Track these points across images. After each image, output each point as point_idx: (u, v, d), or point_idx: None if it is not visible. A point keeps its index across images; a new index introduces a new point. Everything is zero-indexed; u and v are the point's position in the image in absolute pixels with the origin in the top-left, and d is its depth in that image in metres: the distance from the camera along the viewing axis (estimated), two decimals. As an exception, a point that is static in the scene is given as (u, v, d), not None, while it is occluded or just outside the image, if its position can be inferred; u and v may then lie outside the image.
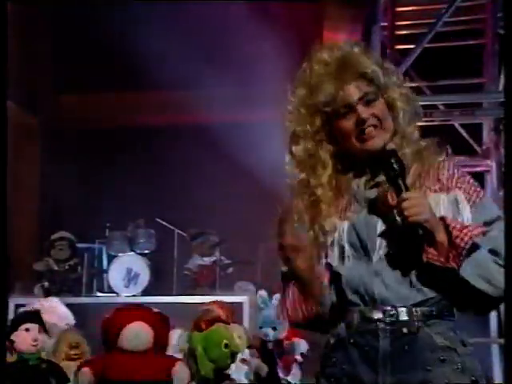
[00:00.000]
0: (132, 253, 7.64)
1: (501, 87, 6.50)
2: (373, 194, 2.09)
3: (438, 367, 1.98)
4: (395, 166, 2.00)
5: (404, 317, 2.01)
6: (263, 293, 6.07)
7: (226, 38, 8.27)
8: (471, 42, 6.96)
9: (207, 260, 7.65)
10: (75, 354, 4.83)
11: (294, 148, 2.14)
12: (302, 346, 5.98)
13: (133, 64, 8.41)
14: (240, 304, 6.70)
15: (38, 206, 9.38)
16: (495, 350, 6.51)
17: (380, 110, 2.09)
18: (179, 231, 7.86)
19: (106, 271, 7.62)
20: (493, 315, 6.45)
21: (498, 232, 2.00)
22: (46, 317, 4.66)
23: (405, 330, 2.00)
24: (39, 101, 9.51)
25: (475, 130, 6.87)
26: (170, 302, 6.93)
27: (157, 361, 4.45)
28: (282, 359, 5.95)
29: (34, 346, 4.19)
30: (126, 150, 8.95)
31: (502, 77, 6.37)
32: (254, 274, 7.56)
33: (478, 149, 6.86)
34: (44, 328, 4.41)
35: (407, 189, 1.99)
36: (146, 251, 7.76)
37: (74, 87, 9.32)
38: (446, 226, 1.98)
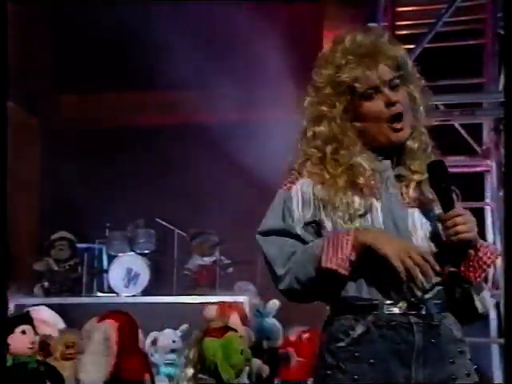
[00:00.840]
0: (132, 253, 7.64)
1: (501, 87, 6.49)
2: (397, 184, 2.08)
3: (459, 359, 2.02)
4: (445, 178, 2.01)
5: (431, 309, 2.00)
6: (256, 302, 6.04)
7: (227, 38, 8.27)
8: (471, 42, 6.95)
9: (207, 260, 7.65)
10: (69, 354, 4.83)
11: (317, 129, 2.10)
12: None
13: (133, 64, 8.42)
14: (240, 304, 6.69)
15: (38, 205, 9.38)
16: (495, 350, 6.50)
17: (404, 97, 2.09)
18: (179, 231, 7.86)
19: (106, 271, 7.62)
20: (493, 315, 6.45)
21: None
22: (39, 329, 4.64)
23: (431, 323, 1.99)
24: (39, 101, 9.51)
25: (475, 130, 6.87)
26: (170, 301, 6.94)
27: None
28: (278, 368, 5.86)
29: (30, 348, 4.17)
30: (126, 150, 8.95)
31: (502, 77, 6.36)
32: (253, 274, 7.55)
33: (477, 149, 6.86)
34: (35, 330, 4.40)
35: (453, 203, 2.00)
36: (146, 251, 7.77)
37: (73, 87, 9.32)
38: (475, 242, 2.03)
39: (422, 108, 2.12)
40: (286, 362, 5.83)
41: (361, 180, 2.04)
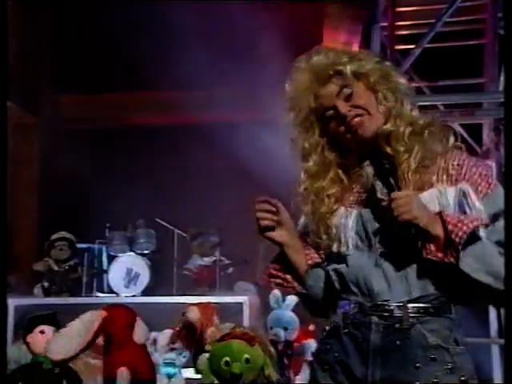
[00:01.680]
0: (132, 253, 7.64)
1: (501, 87, 6.49)
2: (379, 181, 2.09)
3: (428, 365, 1.98)
4: (387, 165, 2.03)
5: (398, 312, 2.00)
6: (276, 292, 6.06)
7: (227, 38, 8.27)
8: (471, 42, 6.96)
9: (207, 260, 7.65)
10: None
11: (304, 165, 2.19)
12: (313, 346, 5.97)
13: (133, 64, 8.41)
14: (240, 304, 6.70)
15: (37, 205, 9.38)
16: (495, 350, 6.51)
17: (361, 98, 2.10)
18: (179, 231, 7.85)
19: (106, 271, 7.61)
20: (493, 315, 6.45)
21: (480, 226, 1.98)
22: None
23: (397, 326, 1.99)
24: (39, 101, 9.52)
25: (475, 130, 6.87)
26: (170, 301, 6.93)
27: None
28: (291, 360, 5.94)
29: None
30: (126, 150, 8.95)
31: (502, 77, 6.36)
32: (253, 274, 7.55)
33: (477, 149, 6.86)
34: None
35: (398, 187, 2.00)
36: (146, 251, 7.76)
37: (73, 87, 9.32)
38: (443, 221, 1.97)
39: (389, 93, 2.12)
40: (300, 355, 5.91)
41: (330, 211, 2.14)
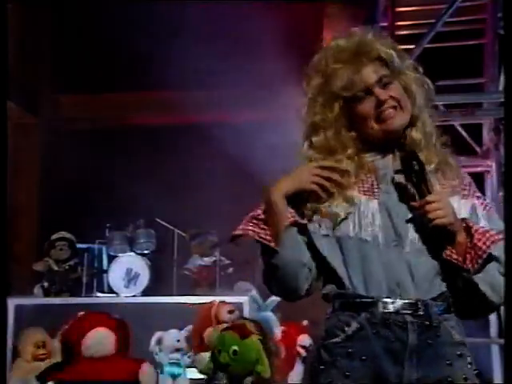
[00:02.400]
0: (132, 253, 7.63)
1: (501, 87, 6.49)
2: (399, 178, 2.09)
3: (457, 362, 1.99)
4: (416, 167, 2.01)
5: (427, 310, 1.99)
6: (254, 293, 6.08)
7: (226, 37, 8.26)
8: (471, 42, 6.96)
9: (207, 260, 7.65)
10: (42, 354, 4.73)
11: (314, 139, 2.13)
12: (305, 340, 5.99)
13: (133, 64, 8.41)
14: (240, 304, 6.70)
15: (38, 205, 9.38)
16: (495, 350, 6.50)
17: (397, 91, 2.10)
18: (179, 231, 7.85)
19: (106, 271, 7.61)
20: (493, 315, 6.45)
21: (501, 242, 2.02)
22: None
23: (428, 324, 1.99)
24: (39, 101, 9.51)
25: (475, 130, 6.87)
26: (170, 302, 6.93)
27: (122, 364, 4.42)
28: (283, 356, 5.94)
29: None
30: (126, 150, 8.94)
31: (502, 77, 6.36)
32: (253, 274, 7.54)
33: (477, 149, 6.86)
34: None
35: (429, 191, 1.99)
36: (146, 251, 7.76)
37: (73, 87, 9.31)
38: (468, 228, 2.00)
39: (420, 98, 2.13)
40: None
41: (345, 185, 2.06)
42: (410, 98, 2.12)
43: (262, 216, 2.08)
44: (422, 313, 1.98)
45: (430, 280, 2.01)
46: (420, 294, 1.99)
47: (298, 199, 2.07)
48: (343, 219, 2.04)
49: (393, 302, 1.97)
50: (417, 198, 2.02)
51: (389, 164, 2.12)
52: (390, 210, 2.04)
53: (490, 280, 1.99)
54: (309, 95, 2.16)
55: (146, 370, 4.33)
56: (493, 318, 6.49)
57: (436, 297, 2.01)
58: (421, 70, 2.20)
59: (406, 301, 1.97)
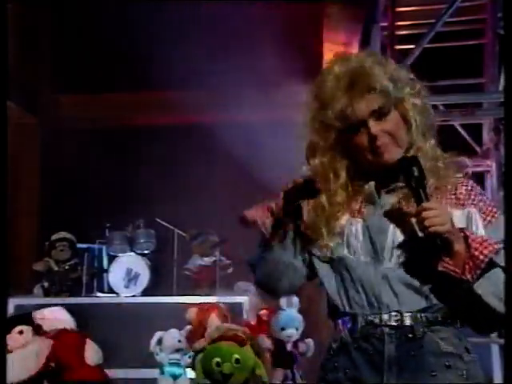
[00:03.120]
0: (132, 253, 7.63)
1: (501, 87, 6.50)
2: (389, 198, 2.09)
3: (443, 373, 1.98)
4: (416, 173, 1.98)
5: (409, 322, 2.00)
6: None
7: (226, 37, 8.26)
8: (471, 42, 6.96)
9: (207, 260, 7.65)
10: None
11: (311, 160, 2.15)
12: (311, 345, 6.03)
13: (133, 64, 8.41)
14: (240, 304, 6.70)
15: (38, 205, 9.38)
16: (495, 350, 6.50)
17: (393, 124, 2.07)
18: (179, 231, 7.85)
19: (106, 271, 7.61)
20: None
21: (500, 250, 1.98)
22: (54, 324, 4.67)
23: (410, 335, 1.99)
24: (39, 101, 9.51)
25: (475, 130, 6.87)
26: (170, 301, 6.93)
27: None
28: (298, 359, 6.00)
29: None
30: (126, 150, 8.95)
31: (502, 77, 6.36)
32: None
33: (477, 149, 6.86)
34: (36, 330, 4.41)
35: (427, 198, 1.96)
36: (146, 251, 7.76)
37: (73, 87, 9.31)
38: (465, 238, 1.96)
39: (418, 125, 2.10)
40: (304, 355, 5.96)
41: (333, 220, 2.10)
42: (407, 126, 2.09)
43: (275, 209, 2.12)
44: (400, 324, 1.99)
45: (414, 293, 2.01)
46: (403, 307, 2.00)
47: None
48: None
49: (372, 316, 2.02)
50: (413, 205, 1.99)
51: (372, 185, 2.11)
52: (371, 227, 2.06)
53: (493, 290, 1.95)
54: (307, 118, 2.16)
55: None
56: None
57: (423, 309, 2.01)
58: (424, 93, 2.15)
59: (385, 314, 2.00)
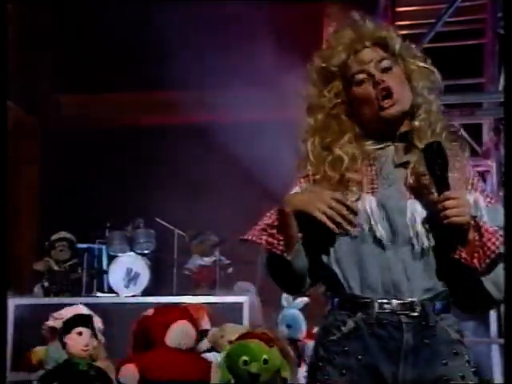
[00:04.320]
0: (132, 253, 7.64)
1: (501, 87, 6.50)
2: (401, 172, 2.05)
3: (453, 360, 1.99)
4: (440, 160, 1.95)
5: (423, 309, 1.98)
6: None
7: (226, 37, 8.27)
8: (471, 42, 6.96)
9: (207, 260, 7.65)
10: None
11: (309, 119, 2.11)
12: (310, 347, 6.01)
13: (133, 64, 8.41)
14: (240, 304, 6.69)
15: (38, 206, 9.38)
16: (495, 350, 6.51)
17: (396, 78, 2.06)
18: (179, 231, 7.85)
19: (106, 271, 7.61)
20: (493, 315, 6.45)
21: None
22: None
23: (424, 323, 1.98)
24: (39, 101, 9.51)
25: (475, 130, 6.87)
26: (170, 302, 6.93)
27: (198, 361, 4.48)
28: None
29: (84, 350, 4.18)
30: (126, 150, 8.95)
31: (502, 77, 6.36)
32: (253, 274, 7.55)
33: (477, 149, 6.86)
34: (95, 333, 4.40)
35: (449, 186, 1.94)
36: (146, 251, 7.76)
37: (74, 87, 9.32)
38: (478, 227, 1.96)
39: (423, 87, 2.10)
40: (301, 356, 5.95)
41: (350, 173, 2.03)
42: (412, 86, 2.08)
43: (276, 223, 2.03)
44: (417, 313, 1.97)
45: (428, 280, 1.99)
46: (416, 295, 1.98)
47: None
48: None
49: (388, 303, 1.97)
50: (434, 192, 1.97)
51: (389, 155, 2.07)
52: (389, 208, 2.00)
53: (494, 278, 1.97)
54: (309, 74, 2.13)
55: (217, 369, 4.38)
56: (493, 317, 6.49)
57: (433, 296, 2.00)
58: (428, 61, 2.17)
59: (401, 301, 1.97)
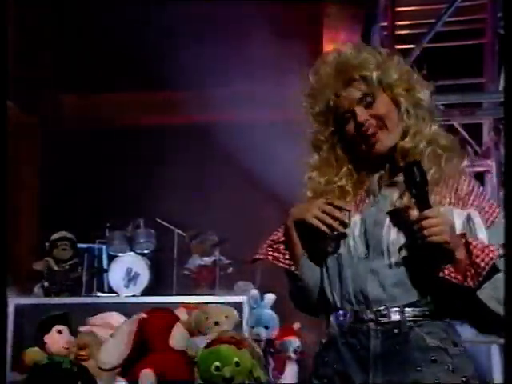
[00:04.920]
0: (132, 253, 7.63)
1: (501, 87, 6.50)
2: (389, 192, 2.09)
3: (429, 367, 1.98)
4: (418, 179, 1.96)
5: (396, 317, 2.00)
6: (255, 292, 6.12)
7: (226, 37, 8.26)
8: (471, 42, 6.96)
9: (207, 260, 7.64)
10: (81, 355, 4.80)
11: (314, 156, 2.17)
12: (294, 343, 6.01)
13: (133, 64, 8.41)
14: (240, 304, 6.69)
15: (38, 205, 9.37)
16: (495, 350, 6.50)
17: (382, 108, 2.07)
18: (179, 231, 7.85)
19: (107, 270, 7.62)
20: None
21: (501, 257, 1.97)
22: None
23: (396, 331, 1.99)
24: (39, 101, 9.51)
25: (475, 130, 6.87)
26: (170, 301, 6.93)
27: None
28: (274, 359, 5.97)
29: (66, 348, 4.17)
30: (126, 150, 8.95)
31: (502, 77, 6.37)
32: (253, 274, 7.54)
33: (477, 149, 6.86)
34: (71, 330, 4.39)
35: (428, 205, 1.95)
36: (146, 251, 7.76)
37: (74, 87, 9.32)
38: (467, 245, 1.95)
39: (413, 109, 2.09)
40: (281, 353, 5.94)
41: (340, 202, 2.09)
42: (400, 110, 2.09)
43: (282, 239, 2.15)
44: (387, 320, 2.00)
45: (404, 289, 2.01)
46: (391, 303, 2.01)
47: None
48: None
49: (360, 312, 2.03)
50: (413, 210, 1.99)
51: (375, 177, 2.12)
52: (367, 223, 2.06)
53: (495, 295, 1.96)
54: (306, 115, 2.17)
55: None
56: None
57: (411, 303, 2.01)
58: (415, 76, 2.15)
59: (372, 310, 2.01)
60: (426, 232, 1.92)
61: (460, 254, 1.94)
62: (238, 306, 6.57)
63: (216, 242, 7.67)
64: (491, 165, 6.72)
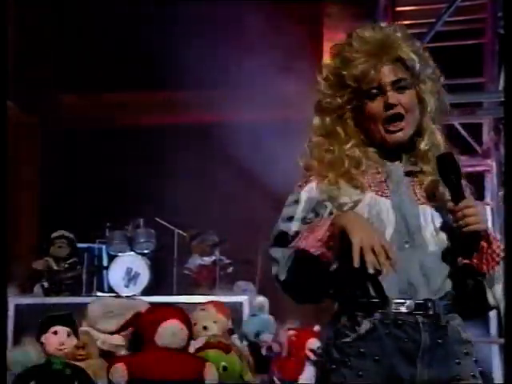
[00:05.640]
0: (132, 252, 7.64)
1: (501, 87, 6.50)
2: (407, 180, 2.08)
3: (465, 360, 2.01)
4: (454, 170, 2.00)
5: (436, 309, 2.00)
6: (262, 299, 6.14)
7: (227, 37, 8.27)
8: (471, 42, 6.96)
9: (207, 260, 7.65)
10: (80, 355, 4.77)
11: (317, 118, 2.11)
12: (314, 343, 5.98)
13: (133, 64, 8.41)
14: (240, 304, 6.70)
15: (38, 205, 9.38)
16: (495, 350, 6.51)
17: (409, 100, 2.06)
18: (179, 231, 7.86)
19: (107, 267, 7.62)
20: (493, 315, 6.45)
21: None
22: None
23: (441, 323, 2.00)
24: (39, 101, 9.51)
25: (475, 130, 6.87)
26: (170, 301, 6.93)
27: (190, 360, 4.48)
28: (292, 360, 5.95)
29: (59, 350, 4.13)
30: (125, 150, 8.95)
31: (502, 77, 6.36)
32: (253, 274, 7.55)
33: (478, 149, 6.86)
34: (75, 332, 4.35)
35: (463, 195, 1.99)
36: (146, 251, 7.77)
37: (73, 87, 9.32)
38: (488, 235, 2.01)
39: (432, 110, 2.09)
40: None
41: (353, 171, 2.04)
42: (423, 108, 2.08)
43: (326, 238, 1.92)
44: (431, 312, 1.99)
45: (441, 281, 2.02)
46: (430, 294, 2.00)
47: None
48: (352, 207, 2.01)
49: (404, 303, 1.98)
50: (442, 199, 2.03)
51: (395, 164, 2.09)
52: (404, 211, 2.03)
53: (490, 286, 2.04)
54: (323, 75, 2.11)
55: (210, 370, 4.35)
56: (493, 317, 6.49)
57: (443, 296, 2.02)
58: (441, 78, 2.16)
59: (417, 301, 1.98)
60: (468, 220, 1.94)
61: (483, 242, 2.00)
62: (238, 306, 6.59)
63: (216, 242, 7.67)
64: (491, 165, 6.71)
